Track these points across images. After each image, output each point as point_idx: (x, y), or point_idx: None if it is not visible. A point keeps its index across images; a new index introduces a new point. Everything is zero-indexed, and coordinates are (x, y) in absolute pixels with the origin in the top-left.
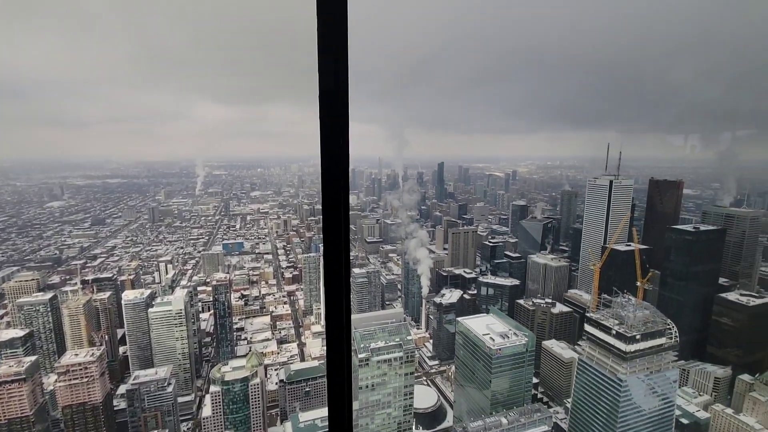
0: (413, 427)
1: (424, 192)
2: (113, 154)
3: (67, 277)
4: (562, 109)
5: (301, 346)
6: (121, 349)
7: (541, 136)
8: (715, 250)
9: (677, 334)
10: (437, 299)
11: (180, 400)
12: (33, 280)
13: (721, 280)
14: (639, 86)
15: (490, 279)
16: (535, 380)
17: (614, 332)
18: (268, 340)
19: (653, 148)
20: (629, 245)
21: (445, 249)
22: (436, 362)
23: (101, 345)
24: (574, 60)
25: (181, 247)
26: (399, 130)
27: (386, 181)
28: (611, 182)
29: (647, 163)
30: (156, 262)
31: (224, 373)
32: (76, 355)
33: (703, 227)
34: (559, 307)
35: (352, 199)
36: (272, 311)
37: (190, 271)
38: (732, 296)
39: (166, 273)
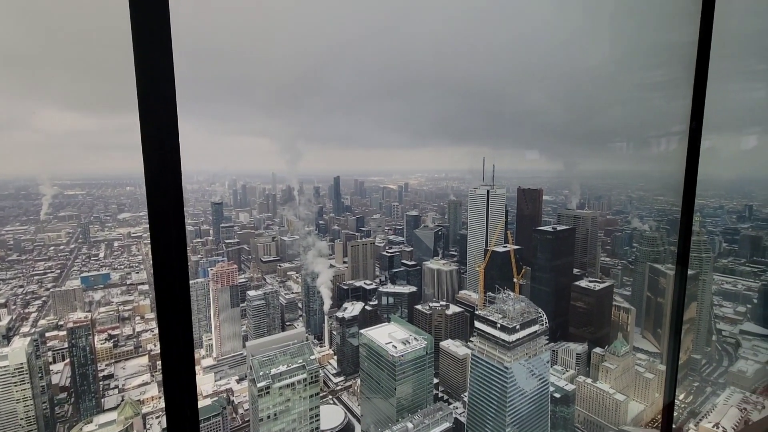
0: None
1: (321, 206)
2: None
3: None
4: (442, 126)
5: None
6: None
7: (427, 150)
8: (568, 245)
9: (547, 321)
10: (339, 314)
11: None
12: None
13: (575, 271)
14: (502, 108)
15: (390, 288)
16: (435, 380)
17: (499, 325)
18: (146, 384)
19: (518, 162)
20: (506, 246)
21: (345, 262)
22: (342, 378)
23: None
24: (448, 82)
25: (20, 286)
26: (292, 144)
27: (281, 197)
28: (488, 192)
29: (515, 174)
30: None
31: None
32: None
33: (559, 227)
34: (453, 308)
35: (244, 217)
36: (150, 350)
37: (34, 315)
38: (583, 283)
39: None
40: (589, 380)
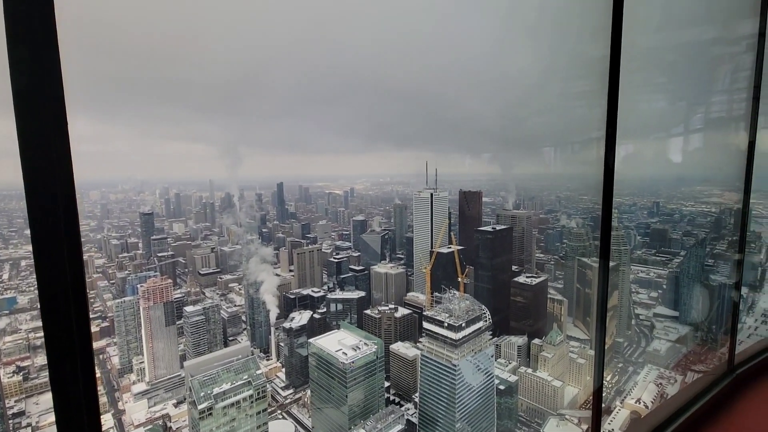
0: None
1: (264, 213)
2: None
3: None
4: (385, 131)
5: (118, 415)
6: None
7: (371, 155)
8: (507, 244)
9: (490, 316)
10: (287, 324)
11: None
12: None
13: (514, 268)
14: (442, 113)
15: (338, 294)
16: (387, 384)
17: (446, 324)
18: None
19: (458, 165)
20: (450, 247)
21: (291, 271)
22: (291, 391)
23: None
24: (388, 87)
25: None
26: (232, 149)
27: (220, 205)
28: (431, 195)
29: (456, 177)
30: None
31: None
32: None
33: (498, 227)
34: (401, 311)
35: (179, 228)
36: None
37: None
38: (521, 279)
39: None
40: (529, 370)
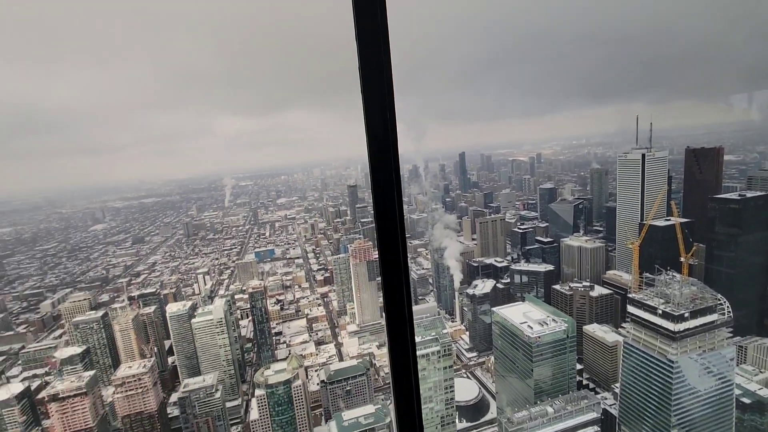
0: (456, 420)
1: (447, 183)
2: (146, 174)
3: (115, 294)
4: (581, 85)
5: (339, 346)
6: (170, 359)
7: (561, 115)
8: (764, 216)
9: (730, 310)
10: (470, 290)
11: (228, 405)
12: (85, 299)
13: None
14: (659, 49)
15: (523, 266)
16: (579, 366)
17: (660, 312)
18: (306, 342)
19: (683, 116)
20: (669, 220)
21: (473, 239)
22: (474, 354)
23: (151, 357)
24: (587, 32)
25: (216, 258)
26: (415, 123)
27: (408, 177)
28: (644, 156)
29: (680, 132)
30: (194, 275)
31: (267, 377)
32: (130, 367)
33: (749, 194)
34: (598, 290)
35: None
36: (307, 314)
37: (226, 281)
38: None
39: (205, 284)
40: None
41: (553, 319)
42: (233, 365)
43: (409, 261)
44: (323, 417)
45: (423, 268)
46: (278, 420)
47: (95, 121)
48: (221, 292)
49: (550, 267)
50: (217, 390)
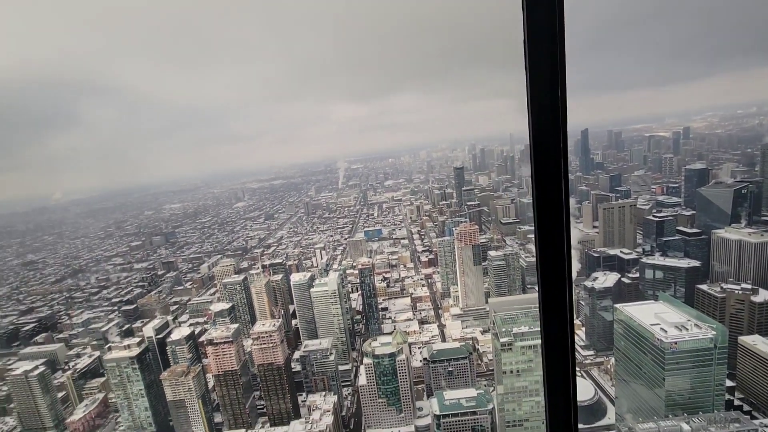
0: None
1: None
2: (275, 159)
3: (252, 262)
4: (753, 34)
5: (441, 327)
6: (293, 322)
7: (717, 79)
8: None
9: None
10: (588, 283)
11: (340, 368)
12: (231, 265)
13: None
14: None
15: (658, 260)
16: (729, 383)
17: None
18: (409, 320)
19: None
20: None
21: (594, 227)
22: (591, 352)
23: (279, 318)
24: None
25: (331, 236)
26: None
27: (519, 158)
28: None
29: None
30: (313, 249)
31: (374, 347)
32: (263, 324)
33: None
34: (764, 294)
35: (483, 180)
36: (411, 293)
37: (339, 257)
38: None
39: (321, 258)
40: None
41: (696, 324)
42: (345, 333)
43: (519, 248)
44: (425, 392)
45: (532, 255)
46: (383, 389)
47: (236, 115)
48: (335, 266)
49: (696, 263)
50: (331, 353)
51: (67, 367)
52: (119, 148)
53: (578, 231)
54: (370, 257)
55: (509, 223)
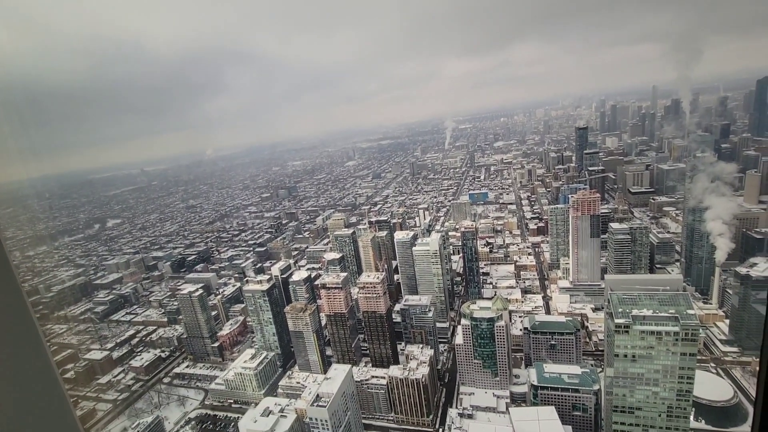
0: (691, 416)
1: (727, 123)
2: (385, 119)
3: (360, 218)
4: None
5: (546, 299)
6: (395, 277)
7: None
8: None
9: None
10: (743, 269)
11: (438, 325)
12: (341, 219)
13: None
14: None
15: None
16: None
17: None
18: (512, 287)
19: None
20: None
21: (761, 202)
22: (735, 349)
23: (383, 271)
24: None
25: (435, 197)
26: (687, 41)
27: (663, 115)
28: None
29: None
30: (416, 209)
31: (473, 310)
32: (368, 276)
33: None
34: None
35: (611, 142)
36: (516, 261)
37: (442, 218)
38: None
39: (424, 218)
40: None
41: None
42: (444, 293)
43: (651, 221)
44: (523, 361)
45: (669, 232)
46: (480, 351)
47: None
48: (437, 227)
49: None
50: (430, 310)
51: (218, 293)
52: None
53: (734, 205)
54: (474, 221)
55: (641, 192)
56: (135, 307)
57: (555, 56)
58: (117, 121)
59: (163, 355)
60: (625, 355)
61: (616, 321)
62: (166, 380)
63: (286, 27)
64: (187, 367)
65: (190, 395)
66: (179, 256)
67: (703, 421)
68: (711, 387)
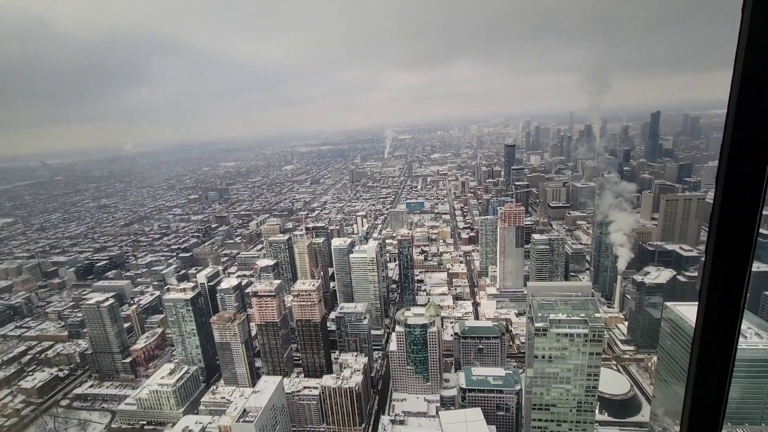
0: (597, 409)
1: (628, 149)
2: (325, 124)
3: (297, 224)
4: None
5: (476, 305)
6: (331, 284)
7: None
8: None
9: None
10: (638, 277)
11: (373, 332)
12: (276, 224)
13: None
14: None
15: None
16: None
17: None
18: (444, 294)
19: None
20: None
21: (653, 218)
22: (631, 348)
23: (318, 279)
24: None
25: (373, 204)
26: (597, 74)
27: (578, 138)
28: None
29: None
30: (354, 216)
31: (407, 317)
32: (303, 283)
33: None
34: None
35: (535, 160)
36: (449, 269)
37: (380, 226)
38: None
39: (362, 226)
40: None
41: (757, 333)
42: (379, 300)
43: (566, 234)
44: (453, 366)
45: (580, 243)
46: (413, 357)
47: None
48: (375, 234)
49: (766, 267)
50: (365, 317)
51: (132, 302)
52: (184, 105)
53: (633, 220)
54: (410, 229)
55: (558, 207)
56: (27, 319)
57: (488, 77)
58: (10, 105)
59: (61, 374)
60: (543, 356)
61: (536, 324)
62: (64, 403)
63: (223, 21)
64: (91, 386)
65: (94, 418)
66: (86, 262)
67: (606, 413)
68: (612, 382)
